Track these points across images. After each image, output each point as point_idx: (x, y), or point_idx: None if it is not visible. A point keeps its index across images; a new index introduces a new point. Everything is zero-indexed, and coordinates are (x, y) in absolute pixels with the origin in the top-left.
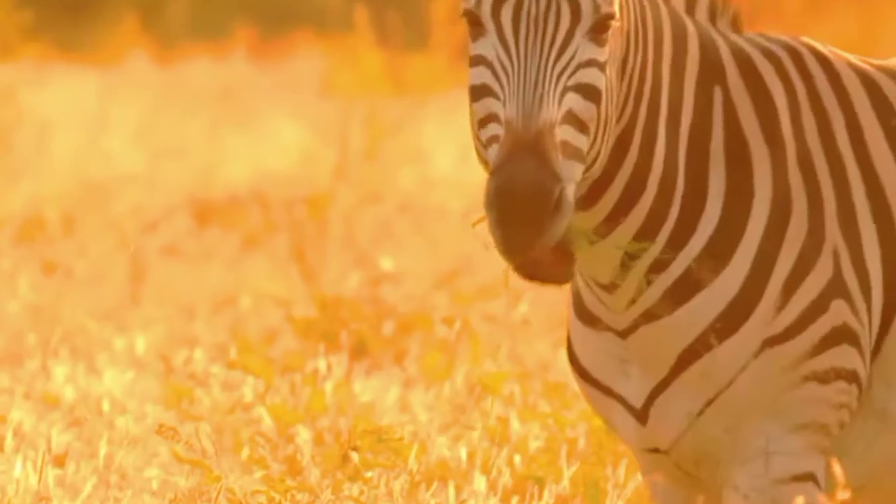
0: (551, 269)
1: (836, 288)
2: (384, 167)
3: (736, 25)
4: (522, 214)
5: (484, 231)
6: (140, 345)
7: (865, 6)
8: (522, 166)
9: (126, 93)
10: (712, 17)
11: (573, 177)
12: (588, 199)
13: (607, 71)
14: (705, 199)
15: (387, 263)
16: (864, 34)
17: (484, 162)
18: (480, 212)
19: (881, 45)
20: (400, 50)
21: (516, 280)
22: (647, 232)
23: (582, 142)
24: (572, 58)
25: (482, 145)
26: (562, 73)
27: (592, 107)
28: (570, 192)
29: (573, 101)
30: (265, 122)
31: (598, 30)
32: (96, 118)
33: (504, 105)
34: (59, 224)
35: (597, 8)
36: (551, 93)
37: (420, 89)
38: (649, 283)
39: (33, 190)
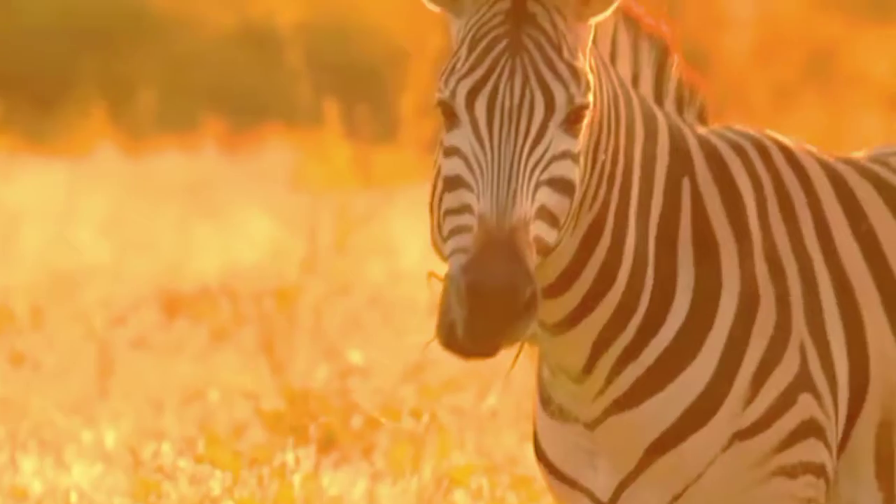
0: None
1: (803, 382)
2: (353, 260)
3: (702, 117)
4: (493, 314)
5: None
6: (108, 438)
7: (832, 99)
8: (496, 265)
9: (95, 185)
10: (679, 108)
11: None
12: (557, 287)
13: (581, 161)
14: (674, 291)
15: (355, 356)
16: (831, 127)
17: (440, 251)
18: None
19: (847, 138)
20: (369, 143)
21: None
22: (616, 323)
23: (552, 236)
24: (546, 150)
25: (446, 234)
26: (535, 166)
27: (566, 200)
28: (539, 289)
29: (547, 195)
30: (234, 214)
31: (573, 120)
32: (65, 210)
33: (478, 198)
34: (28, 316)
35: (570, 99)
36: (525, 187)
37: (389, 182)
38: (618, 373)
39: (1, 281)
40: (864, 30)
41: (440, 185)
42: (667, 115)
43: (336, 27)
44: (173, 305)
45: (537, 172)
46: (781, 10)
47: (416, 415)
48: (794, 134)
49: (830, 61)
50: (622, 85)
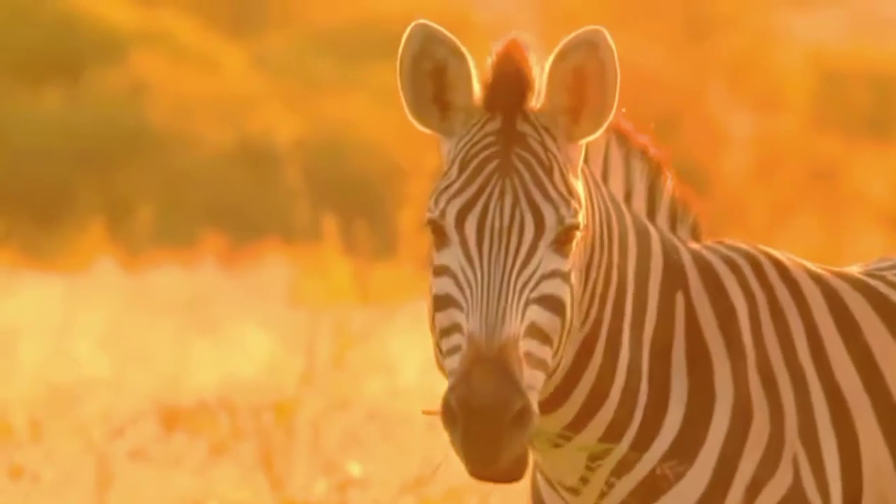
0: (505, 469)
1: (796, 495)
2: (351, 375)
3: (695, 233)
4: (486, 430)
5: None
6: None
7: (830, 218)
8: (485, 383)
9: (93, 299)
10: (672, 225)
11: (536, 386)
12: (551, 403)
13: (571, 280)
14: (667, 404)
15: (354, 469)
16: (830, 245)
17: (442, 369)
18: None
19: (846, 257)
20: (367, 259)
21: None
22: (610, 437)
23: (546, 353)
24: (536, 270)
25: (443, 354)
26: (525, 285)
27: (556, 318)
28: (535, 401)
29: (536, 313)
30: (233, 329)
31: (563, 241)
32: (63, 324)
33: (467, 317)
34: (27, 429)
35: (560, 220)
36: (514, 306)
37: (387, 298)
38: (613, 484)
39: (0, 395)
40: (863, 149)
41: (432, 304)
42: (659, 231)
43: (333, 143)
44: (172, 418)
45: (527, 291)
46: (780, 130)
47: None
48: (793, 252)
49: (829, 180)
50: (614, 202)
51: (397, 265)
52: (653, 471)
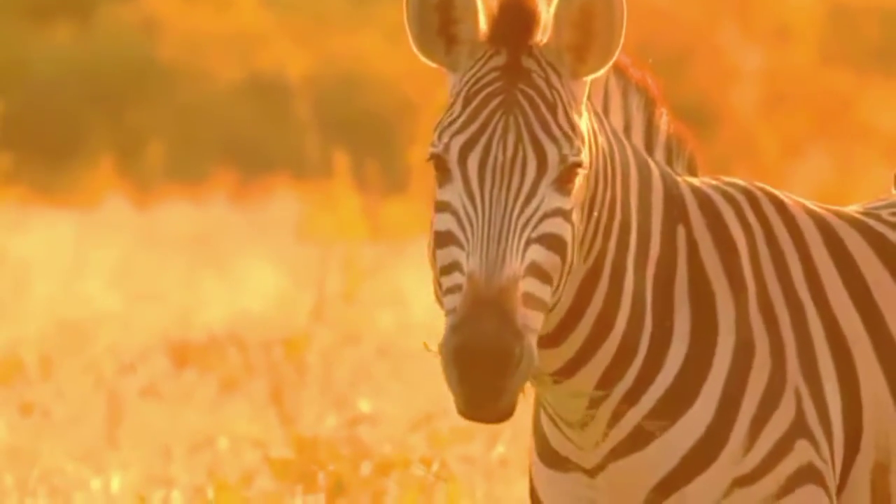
0: (497, 412)
1: (799, 428)
2: (362, 310)
3: (691, 168)
4: (485, 375)
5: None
6: (116, 485)
7: (840, 152)
8: (484, 325)
9: (104, 235)
10: (669, 159)
11: (535, 327)
12: (555, 337)
13: (573, 218)
14: (671, 336)
15: (364, 405)
16: (840, 180)
17: (442, 305)
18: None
19: (856, 191)
20: (378, 195)
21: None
22: (615, 370)
23: (546, 292)
24: (537, 208)
25: (444, 293)
26: (526, 224)
27: (556, 257)
28: (533, 343)
29: (537, 252)
30: (243, 265)
31: (565, 179)
32: (74, 260)
33: (468, 256)
34: (37, 365)
35: (563, 158)
36: (515, 245)
37: (398, 234)
38: (619, 419)
39: (11, 331)
40: (873, 83)
41: (433, 240)
42: (659, 165)
43: (344, 79)
44: (182, 354)
45: (528, 230)
46: (790, 64)
47: (425, 463)
48: (803, 186)
49: (839, 114)
50: (616, 135)
51: (408, 200)
52: (656, 405)
